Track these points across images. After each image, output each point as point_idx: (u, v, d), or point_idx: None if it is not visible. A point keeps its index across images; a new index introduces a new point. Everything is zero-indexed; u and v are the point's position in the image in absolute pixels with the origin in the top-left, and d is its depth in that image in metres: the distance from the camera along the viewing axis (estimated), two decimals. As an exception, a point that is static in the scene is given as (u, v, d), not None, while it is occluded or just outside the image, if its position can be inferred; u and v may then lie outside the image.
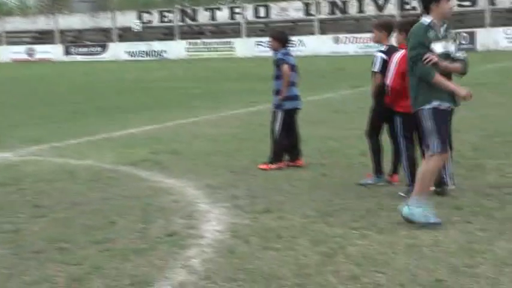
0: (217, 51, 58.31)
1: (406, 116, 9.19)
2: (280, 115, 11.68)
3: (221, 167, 11.61)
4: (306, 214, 8.47)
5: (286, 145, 11.64)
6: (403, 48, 9.26)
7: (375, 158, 10.27)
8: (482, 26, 52.02)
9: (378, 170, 10.26)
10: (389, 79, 9.50)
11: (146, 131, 16.49)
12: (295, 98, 11.79)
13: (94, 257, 7.15)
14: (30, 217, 8.89)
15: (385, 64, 9.83)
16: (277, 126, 11.68)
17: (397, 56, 9.46)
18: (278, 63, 11.74)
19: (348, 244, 7.24)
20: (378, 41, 10.46)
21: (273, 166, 11.34)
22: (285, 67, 11.57)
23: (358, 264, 6.59)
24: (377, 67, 10.08)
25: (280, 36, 12.28)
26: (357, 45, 55.81)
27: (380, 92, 9.93)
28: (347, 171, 11.06)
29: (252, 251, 7.13)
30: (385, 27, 10.52)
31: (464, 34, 50.25)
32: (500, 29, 49.67)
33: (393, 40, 10.30)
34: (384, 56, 10.00)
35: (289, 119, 11.74)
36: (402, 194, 9.12)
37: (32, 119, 19.75)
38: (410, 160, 9.45)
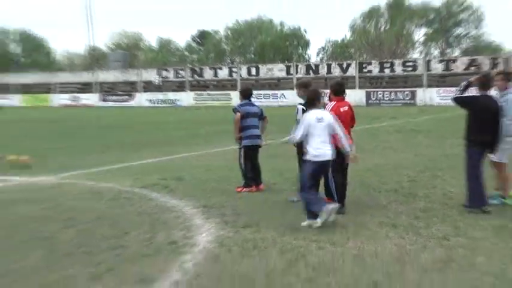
0: (218, 100, 58.36)
1: None
2: (241, 151, 11.82)
3: (214, 190, 11.60)
4: (277, 229, 8.47)
5: (251, 174, 11.71)
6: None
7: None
8: (420, 86, 52.26)
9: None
10: None
11: (158, 161, 16.50)
12: (253, 137, 11.75)
13: (110, 260, 7.18)
14: (62, 227, 8.89)
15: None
16: (241, 159, 11.83)
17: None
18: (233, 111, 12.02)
19: (308, 253, 7.26)
20: (300, 96, 10.81)
21: (244, 189, 11.43)
22: (236, 115, 11.70)
23: (315, 269, 6.63)
24: (299, 115, 10.20)
25: (242, 91, 12.50)
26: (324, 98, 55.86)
27: None
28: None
29: (234, 258, 7.16)
30: (302, 86, 10.82)
31: (407, 92, 50.64)
32: (434, 89, 49.94)
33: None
34: (303, 107, 10.18)
35: (250, 153, 11.77)
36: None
37: (71, 150, 19.75)
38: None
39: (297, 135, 9.02)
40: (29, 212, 9.89)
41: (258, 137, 11.88)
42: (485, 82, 9.64)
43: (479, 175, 9.45)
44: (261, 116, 12.04)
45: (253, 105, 12.07)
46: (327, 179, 9.42)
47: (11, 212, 10.04)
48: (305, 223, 8.66)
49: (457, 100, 9.70)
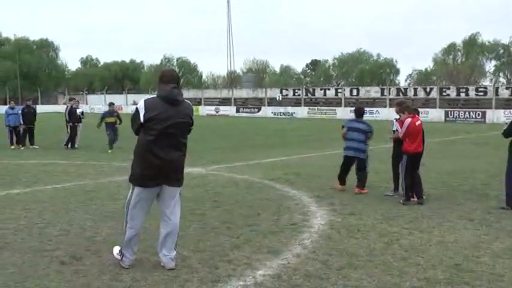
0: (326, 114, 57.84)
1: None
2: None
3: (324, 185, 11.52)
4: (376, 217, 8.35)
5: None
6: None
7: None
8: (490, 108, 49.85)
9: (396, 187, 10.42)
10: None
11: (281, 160, 16.56)
12: (349, 148, 10.87)
13: (246, 234, 7.27)
14: (211, 207, 9.10)
15: None
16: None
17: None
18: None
19: (401, 238, 7.10)
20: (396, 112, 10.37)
21: (363, 191, 10.63)
22: (343, 129, 11.10)
23: (407, 251, 6.47)
24: (394, 126, 10.30)
25: (354, 110, 11.52)
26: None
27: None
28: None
29: (342, 238, 7.09)
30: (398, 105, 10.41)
31: (479, 112, 48.40)
32: (502, 110, 47.43)
33: None
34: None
35: (347, 161, 11.02)
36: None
37: (215, 149, 20.18)
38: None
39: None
40: (186, 194, 10.18)
41: (355, 149, 10.81)
42: None
43: None
44: (367, 132, 10.90)
45: (360, 122, 11.07)
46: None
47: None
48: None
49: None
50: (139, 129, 5.63)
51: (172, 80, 5.67)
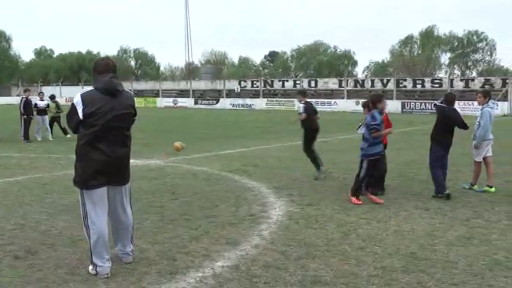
0: (284, 105, 58.01)
1: None
2: None
3: (283, 176, 11.57)
4: (333, 208, 8.42)
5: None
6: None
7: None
8: (446, 98, 50.86)
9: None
10: None
11: (239, 152, 16.55)
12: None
13: (205, 225, 7.24)
14: (169, 199, 9.04)
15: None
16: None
17: None
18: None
19: (358, 227, 7.19)
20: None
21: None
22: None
23: (364, 240, 6.55)
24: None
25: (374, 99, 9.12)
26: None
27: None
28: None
29: (300, 228, 7.13)
30: (302, 93, 11.99)
31: (434, 103, 49.12)
32: (456, 102, 48.13)
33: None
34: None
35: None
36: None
37: (172, 141, 19.98)
38: None
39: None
40: (144, 187, 10.10)
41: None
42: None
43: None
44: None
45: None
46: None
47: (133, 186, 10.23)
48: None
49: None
50: (79, 126, 5.20)
51: (108, 70, 5.27)
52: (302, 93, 12.10)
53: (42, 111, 21.12)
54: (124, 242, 5.61)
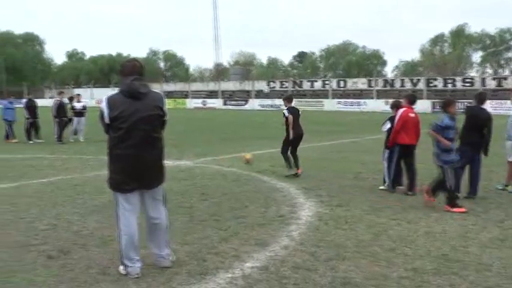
0: (313, 106, 57.83)
1: None
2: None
3: (312, 176, 11.53)
4: (363, 208, 8.36)
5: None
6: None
7: None
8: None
9: None
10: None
11: (268, 152, 16.50)
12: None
13: (234, 226, 7.24)
14: (198, 200, 9.07)
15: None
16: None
17: None
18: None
19: (388, 229, 7.11)
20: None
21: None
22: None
23: (394, 242, 6.47)
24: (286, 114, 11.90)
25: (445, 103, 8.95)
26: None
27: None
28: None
29: (329, 229, 7.08)
30: (288, 99, 12.51)
31: (466, 103, 48.47)
32: (488, 101, 47.55)
33: None
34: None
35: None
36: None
37: (202, 142, 20.12)
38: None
39: None
40: (174, 187, 10.15)
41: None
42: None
43: None
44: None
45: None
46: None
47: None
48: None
49: None
50: (109, 130, 5.22)
51: (133, 72, 5.22)
52: (288, 99, 12.55)
53: (79, 113, 21.49)
54: (160, 245, 5.53)
